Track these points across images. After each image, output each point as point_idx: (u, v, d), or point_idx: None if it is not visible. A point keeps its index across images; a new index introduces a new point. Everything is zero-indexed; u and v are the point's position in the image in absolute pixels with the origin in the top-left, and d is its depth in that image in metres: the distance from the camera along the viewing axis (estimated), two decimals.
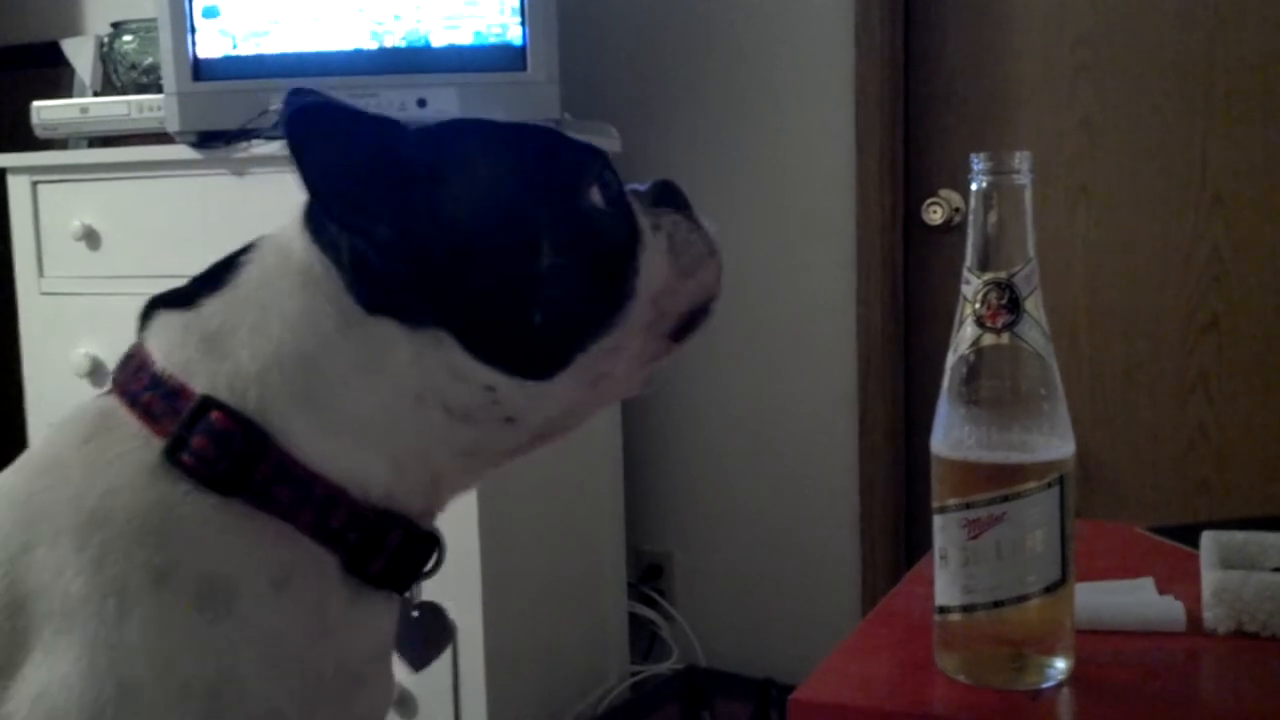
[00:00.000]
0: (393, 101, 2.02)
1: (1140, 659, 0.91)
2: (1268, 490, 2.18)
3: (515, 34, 2.08)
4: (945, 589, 0.86)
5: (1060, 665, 0.85)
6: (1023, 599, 0.83)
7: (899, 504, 2.43)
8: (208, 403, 0.69)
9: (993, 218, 0.84)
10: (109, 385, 0.74)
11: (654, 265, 0.78)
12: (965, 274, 0.85)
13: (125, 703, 0.63)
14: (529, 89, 2.08)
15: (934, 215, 2.37)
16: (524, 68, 2.08)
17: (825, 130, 2.41)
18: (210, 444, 0.68)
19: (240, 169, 2.10)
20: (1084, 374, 2.27)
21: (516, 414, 0.75)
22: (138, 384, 0.72)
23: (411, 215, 0.71)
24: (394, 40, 2.09)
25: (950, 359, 0.86)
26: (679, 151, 2.52)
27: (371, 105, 2.01)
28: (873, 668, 0.94)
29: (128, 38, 2.41)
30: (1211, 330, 2.21)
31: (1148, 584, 1.05)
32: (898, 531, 2.43)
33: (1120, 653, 0.92)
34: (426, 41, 2.09)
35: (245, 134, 2.05)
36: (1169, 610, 0.97)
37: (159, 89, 2.17)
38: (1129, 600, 1.00)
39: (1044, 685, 0.84)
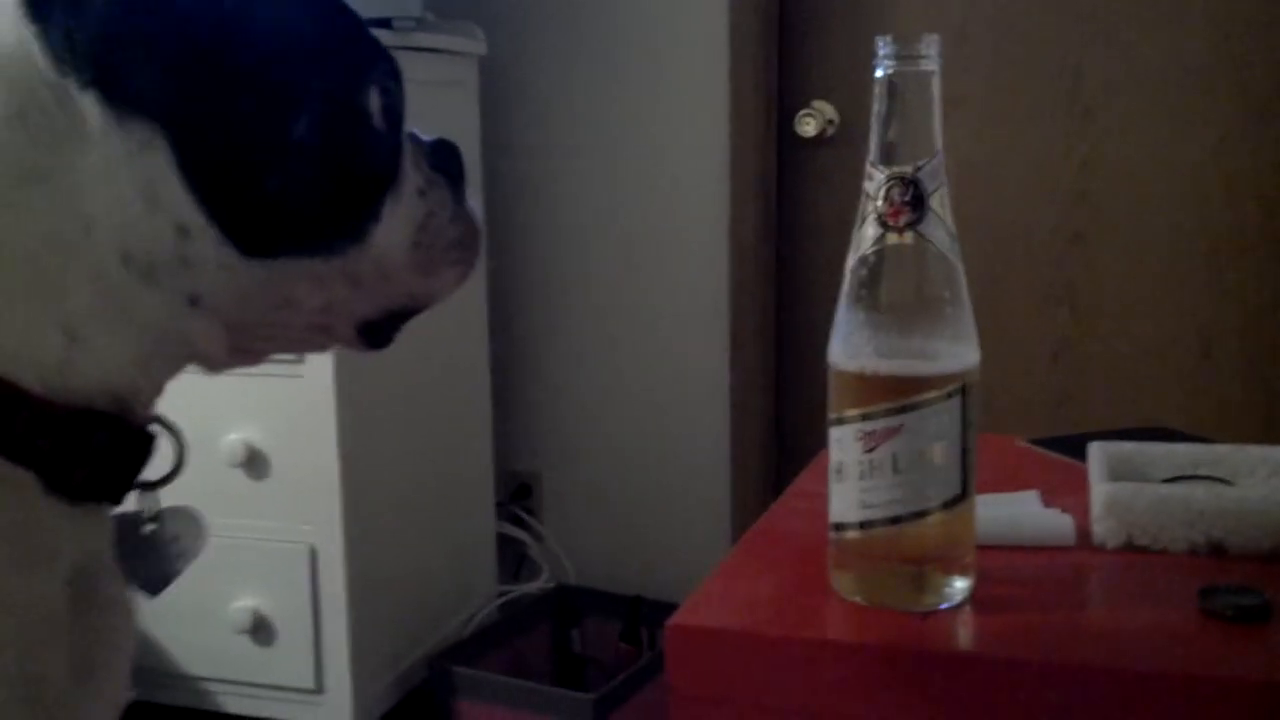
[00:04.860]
0: None
1: (1032, 575, 0.89)
2: (1129, 403, 2.21)
3: None
4: (841, 505, 0.82)
5: (960, 585, 0.82)
6: (922, 514, 0.79)
7: (770, 419, 2.41)
8: None
9: (897, 107, 0.79)
10: None
11: (397, 228, 0.67)
12: (868, 168, 0.80)
13: None
14: None
15: (807, 127, 2.32)
16: None
17: (698, 40, 2.35)
18: None
19: None
20: None
21: (200, 289, 0.61)
22: None
23: None
24: None
25: (850, 260, 0.80)
26: (548, 58, 2.43)
27: None
28: (756, 589, 0.89)
29: None
30: (1078, 243, 2.22)
31: (1034, 497, 1.03)
32: (769, 445, 2.42)
33: (1011, 568, 0.89)
34: None
35: None
36: (1059, 524, 0.95)
37: None
38: (1017, 514, 0.97)
39: (944, 605, 0.81)
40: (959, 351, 0.79)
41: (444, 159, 0.72)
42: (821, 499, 0.84)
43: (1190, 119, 2.13)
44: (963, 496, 0.80)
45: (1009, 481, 1.06)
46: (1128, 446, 1.04)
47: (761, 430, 2.40)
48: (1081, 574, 0.91)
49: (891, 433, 0.78)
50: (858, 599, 0.82)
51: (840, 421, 0.81)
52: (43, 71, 0.57)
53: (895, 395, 0.78)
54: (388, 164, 0.67)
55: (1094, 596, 0.90)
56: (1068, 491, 1.02)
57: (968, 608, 0.82)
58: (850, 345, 0.80)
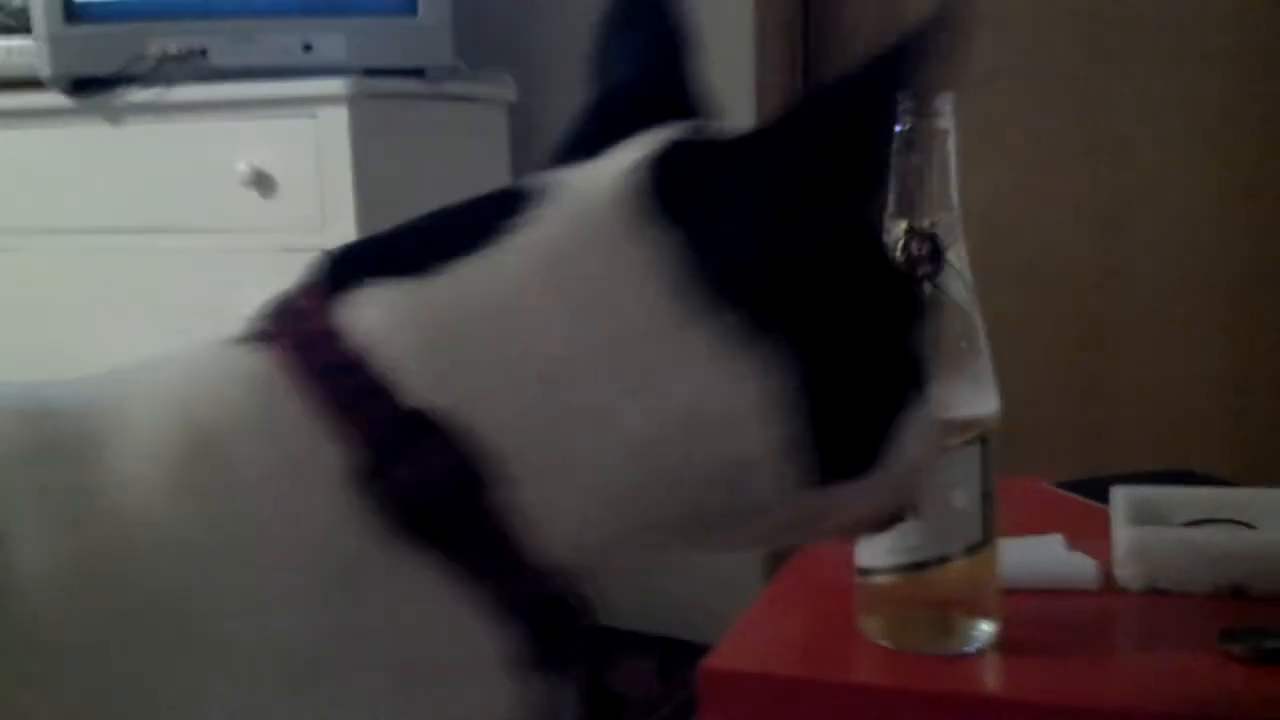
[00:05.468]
0: (277, 45, 1.94)
1: (1056, 618, 0.90)
2: (1162, 442, 2.21)
3: None
4: (867, 550, 0.84)
5: (985, 628, 0.83)
6: (945, 560, 0.80)
7: None
8: (422, 421, 0.51)
9: (913, 163, 0.81)
10: (251, 331, 0.55)
11: (913, 444, 0.63)
12: (885, 222, 0.82)
13: None
14: (420, 34, 2.01)
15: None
16: (414, 11, 2.00)
17: (724, 84, 2.37)
18: (426, 476, 0.50)
19: (116, 117, 2.00)
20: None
21: (748, 503, 0.58)
22: (320, 357, 0.52)
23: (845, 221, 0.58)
24: None
25: None
26: (575, 105, 2.45)
27: (254, 49, 1.93)
28: (786, 633, 0.91)
29: None
30: (1109, 280, 2.23)
31: (1058, 541, 1.04)
32: None
33: (1036, 612, 0.90)
34: None
35: (122, 80, 1.96)
36: (1082, 568, 0.96)
37: (29, 31, 2.06)
38: (1042, 558, 0.99)
39: (969, 649, 0.82)
40: (978, 400, 0.81)
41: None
42: (850, 543, 0.86)
43: (1219, 155, 2.14)
44: (985, 542, 0.82)
45: (1034, 525, 1.07)
46: (1150, 490, 1.06)
47: None
48: (1105, 617, 0.92)
49: None
50: (885, 642, 0.84)
51: None
52: (666, 282, 0.55)
53: None
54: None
55: (1117, 639, 0.91)
56: (1092, 535, 1.04)
57: (993, 651, 0.83)
58: None
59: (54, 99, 2.02)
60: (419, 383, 0.52)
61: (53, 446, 0.49)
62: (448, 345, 0.53)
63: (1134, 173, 2.19)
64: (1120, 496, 1.04)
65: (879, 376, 0.60)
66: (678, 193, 0.56)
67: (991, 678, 0.82)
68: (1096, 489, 1.16)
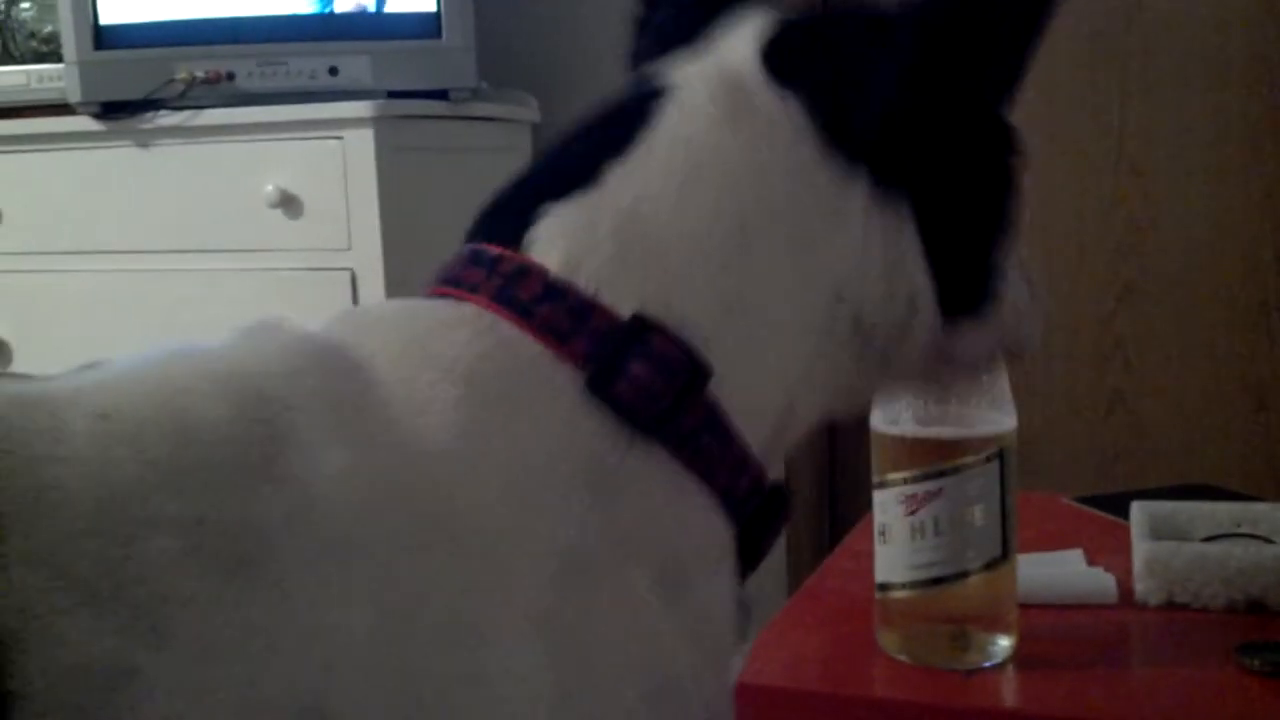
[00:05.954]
0: (304, 69, 1.97)
1: (1075, 633, 0.91)
2: (1183, 457, 2.20)
3: (428, 2, 2.03)
4: (885, 566, 0.85)
5: (1003, 643, 0.84)
6: (963, 575, 0.81)
7: (823, 475, 2.42)
8: (642, 323, 0.55)
9: None
10: (447, 285, 0.58)
11: (1019, 286, 0.72)
12: None
13: (592, 702, 0.50)
14: (444, 56, 2.04)
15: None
16: (439, 34, 2.03)
17: None
18: (655, 374, 0.54)
19: (145, 141, 2.03)
20: None
21: (902, 353, 0.63)
22: (524, 292, 0.55)
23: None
24: (304, 6, 2.03)
25: None
26: None
27: (281, 73, 1.96)
28: (806, 647, 0.92)
29: (26, 4, 2.32)
30: (1127, 298, 2.23)
31: (1077, 556, 1.05)
32: (822, 503, 2.43)
33: (1054, 627, 0.91)
34: (368, 6, 2.04)
35: (150, 104, 1.98)
36: (1101, 583, 0.97)
37: (59, 58, 2.09)
38: (1061, 573, 0.99)
39: (987, 664, 0.83)
40: (996, 417, 0.82)
41: None
42: (869, 558, 0.87)
43: (1236, 172, 2.14)
44: (1004, 557, 0.83)
45: (1054, 540, 1.08)
46: (1169, 505, 1.06)
47: (814, 488, 2.42)
48: (1123, 632, 0.93)
49: (932, 496, 0.81)
50: (903, 657, 0.85)
51: (884, 485, 0.84)
52: (818, 148, 0.59)
53: (935, 460, 0.81)
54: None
55: (1134, 654, 0.92)
56: (1111, 550, 1.04)
57: (1010, 666, 0.84)
58: (890, 412, 0.83)
59: (84, 123, 2.05)
60: (624, 290, 0.55)
61: (334, 371, 0.51)
62: (637, 247, 0.56)
63: (1153, 189, 2.20)
64: (1139, 511, 1.04)
65: (992, 224, 0.65)
66: (807, 63, 0.61)
67: (1009, 693, 0.83)
68: (1116, 504, 1.17)
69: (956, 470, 0.81)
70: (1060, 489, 1.29)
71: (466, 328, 0.55)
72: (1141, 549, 0.96)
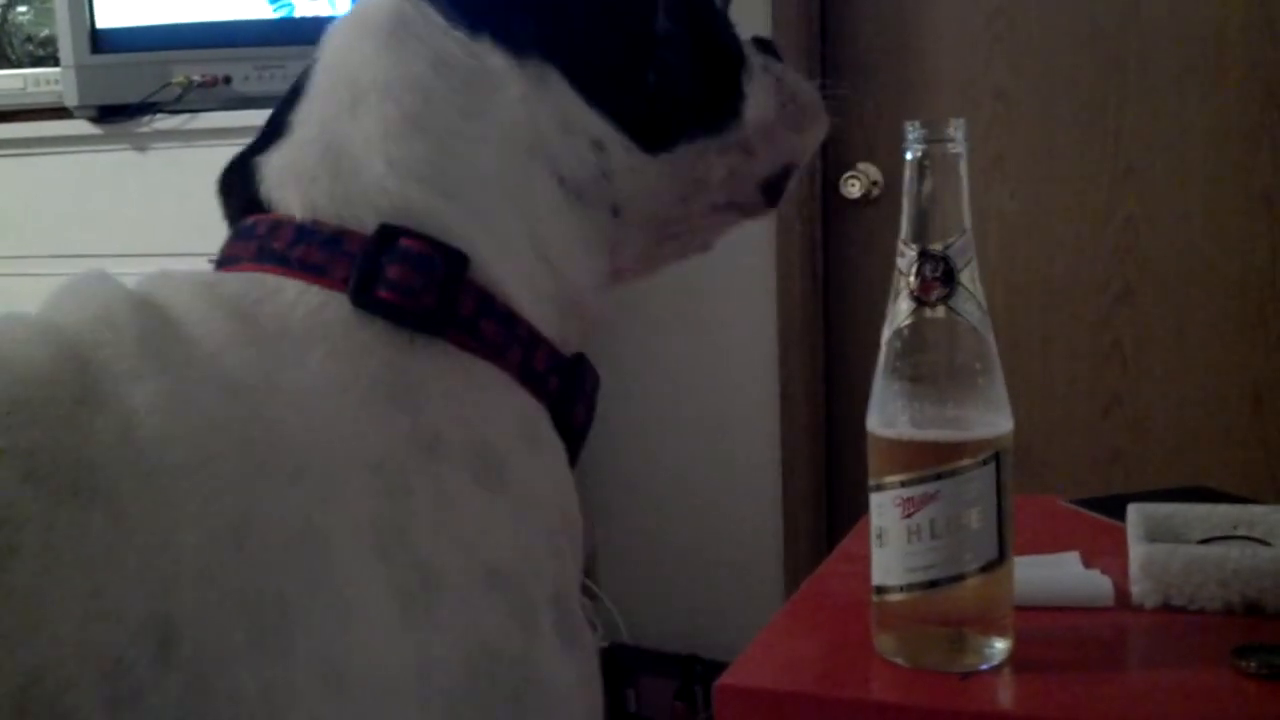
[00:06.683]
0: (299, 72, 1.96)
1: (1071, 635, 0.91)
2: (1181, 459, 2.21)
3: None
4: (882, 569, 0.84)
5: (999, 646, 0.84)
6: (959, 578, 0.81)
7: (820, 478, 2.43)
8: (389, 230, 0.60)
9: (926, 188, 0.83)
10: (223, 264, 0.63)
11: (761, 97, 0.74)
12: (900, 246, 0.83)
13: (433, 593, 0.53)
14: None
15: (852, 189, 2.36)
16: None
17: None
18: (411, 272, 0.59)
19: (142, 144, 2.03)
20: (999, 343, 2.28)
21: (620, 198, 0.68)
22: (279, 243, 0.61)
23: None
24: (300, 10, 2.03)
25: (885, 333, 0.84)
26: None
27: (277, 77, 1.96)
28: (802, 650, 0.92)
29: (23, 8, 2.32)
30: (1125, 300, 2.23)
31: (1074, 558, 1.05)
32: (820, 506, 2.43)
33: (1050, 629, 0.91)
34: (333, 11, 2.04)
35: (147, 108, 1.99)
36: (1097, 585, 0.97)
37: (56, 61, 2.09)
38: (1057, 575, 0.99)
39: (983, 666, 0.83)
40: (992, 420, 0.82)
41: (763, 46, 0.79)
42: (865, 561, 0.87)
43: (1233, 175, 2.14)
44: (1000, 560, 0.82)
45: (1051, 542, 1.08)
46: (1165, 507, 1.06)
47: (811, 488, 2.42)
48: (1119, 634, 0.93)
49: (928, 499, 0.81)
50: (899, 660, 0.85)
51: (880, 488, 0.84)
52: (442, 26, 0.65)
53: (931, 463, 0.81)
54: (738, 50, 0.74)
55: (1131, 656, 0.91)
56: (1108, 552, 1.04)
57: (1007, 668, 0.84)
58: (887, 414, 0.83)
59: (80, 126, 2.05)
60: (360, 207, 0.61)
61: (140, 313, 0.55)
62: (345, 167, 0.62)
63: (1149, 192, 2.20)
64: (1135, 513, 1.04)
65: (656, 49, 0.68)
66: None
67: (1006, 695, 0.83)
68: (1113, 506, 1.17)
69: (953, 473, 0.81)
70: (1058, 491, 1.29)
71: (242, 285, 0.59)
72: (1138, 551, 0.96)
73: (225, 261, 0.63)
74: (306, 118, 0.65)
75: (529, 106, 0.65)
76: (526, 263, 0.64)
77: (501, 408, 0.60)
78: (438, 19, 0.66)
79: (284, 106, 0.67)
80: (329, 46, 0.68)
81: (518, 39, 0.65)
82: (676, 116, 0.69)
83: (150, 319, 0.55)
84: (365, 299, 0.58)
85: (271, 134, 0.66)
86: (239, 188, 0.66)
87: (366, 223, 0.61)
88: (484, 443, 0.58)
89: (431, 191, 0.62)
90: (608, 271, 0.71)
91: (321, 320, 0.58)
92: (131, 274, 0.59)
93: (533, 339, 0.62)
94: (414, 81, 0.64)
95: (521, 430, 0.60)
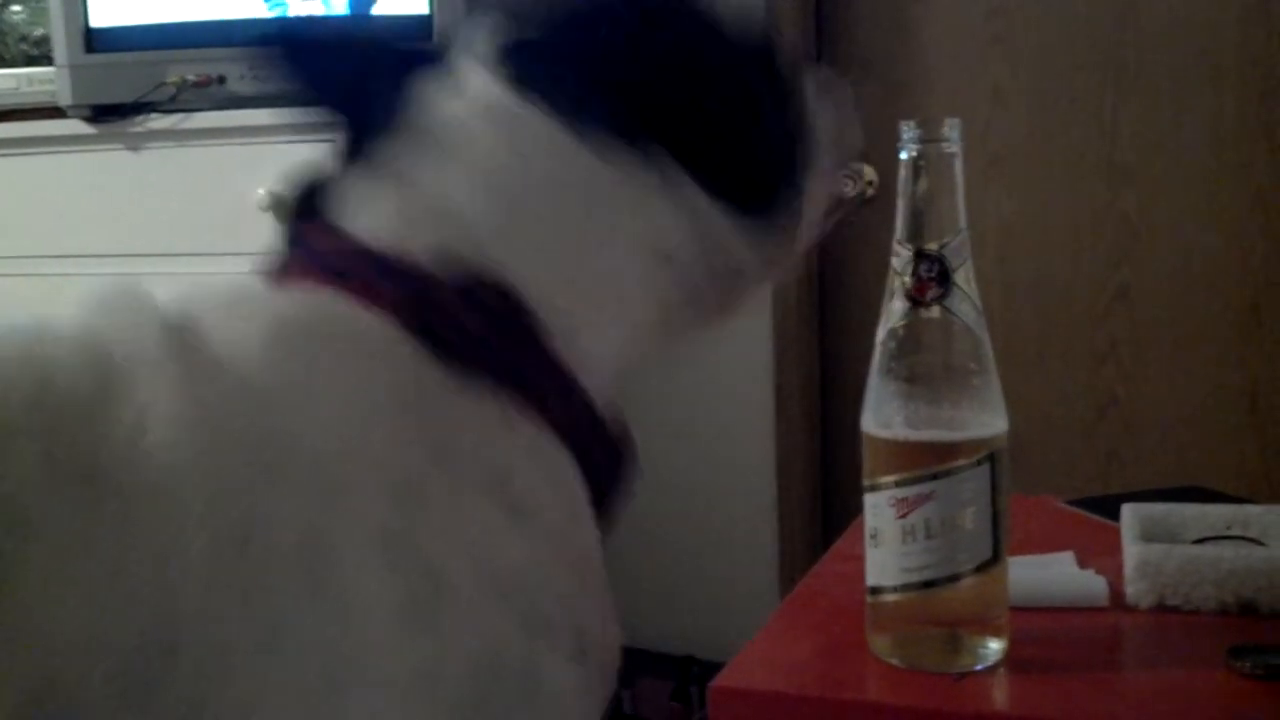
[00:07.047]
0: None
1: (1065, 635, 0.91)
2: (1177, 459, 2.21)
3: (420, 4, 2.03)
4: (876, 569, 0.84)
5: (994, 646, 0.84)
6: (954, 579, 0.81)
7: (815, 478, 2.42)
8: (451, 267, 0.61)
9: (922, 187, 0.83)
10: (274, 273, 0.64)
11: (816, 198, 0.78)
12: (895, 246, 0.83)
13: (440, 600, 0.54)
14: None
15: (847, 189, 2.35)
16: (430, 37, 2.02)
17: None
18: (467, 309, 0.60)
19: (136, 144, 2.03)
20: (996, 343, 2.28)
21: (714, 266, 0.71)
22: (337, 258, 0.63)
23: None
24: (295, 10, 2.02)
25: (880, 333, 0.84)
26: None
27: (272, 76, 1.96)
28: (797, 652, 0.92)
29: (16, 8, 2.32)
30: (1122, 299, 2.23)
31: (1068, 558, 1.05)
32: (815, 506, 2.43)
33: (1045, 629, 0.91)
34: (329, 12, 2.03)
35: (141, 107, 1.98)
36: (1091, 586, 0.97)
37: (50, 61, 2.09)
38: (1052, 575, 0.99)
39: (978, 667, 0.83)
40: (986, 420, 0.82)
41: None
42: (860, 562, 0.87)
43: (1229, 175, 2.14)
44: (995, 560, 0.82)
45: (1045, 543, 1.08)
46: (1160, 508, 1.06)
47: (807, 488, 2.41)
48: (1114, 634, 0.92)
49: (923, 499, 0.81)
50: (894, 661, 0.85)
51: (875, 488, 0.84)
52: (560, 127, 0.66)
53: (926, 463, 0.81)
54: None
55: (1126, 657, 0.91)
56: (1103, 552, 1.04)
57: (1002, 669, 0.84)
58: (882, 415, 0.83)
59: (75, 126, 2.05)
60: (427, 241, 0.62)
61: (169, 328, 0.56)
62: (451, 224, 0.63)
63: (1145, 192, 2.20)
64: (1130, 514, 1.04)
65: (764, 144, 0.72)
66: (535, 69, 0.67)
67: (1001, 696, 0.83)
68: (1108, 507, 1.16)
69: (948, 473, 0.81)
70: (1053, 491, 1.29)
71: (293, 296, 0.61)
72: (1133, 551, 0.96)
73: (276, 270, 0.64)
74: (437, 183, 0.65)
75: (659, 210, 0.67)
76: (611, 342, 0.67)
77: (534, 453, 0.61)
78: (548, 117, 0.66)
79: (381, 137, 0.67)
80: (455, 127, 0.67)
81: (642, 139, 0.66)
82: (776, 176, 0.73)
83: (177, 328, 0.56)
84: (417, 326, 0.59)
85: (360, 166, 0.67)
86: (310, 206, 0.66)
87: (425, 257, 0.62)
88: (506, 469, 0.59)
89: (515, 246, 0.64)
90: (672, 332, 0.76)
91: (362, 336, 0.59)
92: (128, 274, 0.60)
93: (583, 406, 0.64)
94: (538, 164, 0.66)
95: (549, 475, 0.62)
